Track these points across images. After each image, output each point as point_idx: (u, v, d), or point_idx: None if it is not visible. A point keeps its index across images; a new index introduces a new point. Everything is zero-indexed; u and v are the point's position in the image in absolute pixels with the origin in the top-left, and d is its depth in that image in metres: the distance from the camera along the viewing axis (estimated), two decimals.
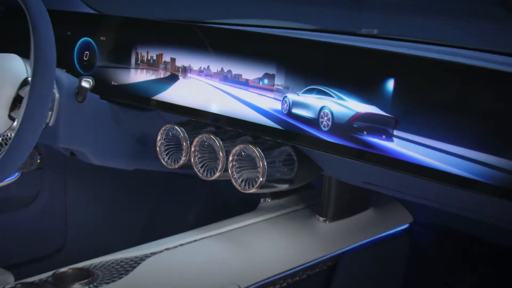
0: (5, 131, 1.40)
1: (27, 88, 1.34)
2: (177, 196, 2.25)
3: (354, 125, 1.14)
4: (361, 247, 1.58)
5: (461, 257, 1.71)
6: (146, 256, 1.33)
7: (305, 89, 1.22)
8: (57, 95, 1.42)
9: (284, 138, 1.28)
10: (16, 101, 1.37)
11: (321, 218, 1.56)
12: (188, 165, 1.44)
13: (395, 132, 1.09)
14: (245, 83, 1.31)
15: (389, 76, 1.11)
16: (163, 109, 1.50)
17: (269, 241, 1.48)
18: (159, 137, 1.47)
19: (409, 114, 1.07)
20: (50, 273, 1.25)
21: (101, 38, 1.60)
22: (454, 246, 1.72)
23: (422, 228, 1.73)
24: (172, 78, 1.45)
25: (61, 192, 2.07)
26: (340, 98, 1.16)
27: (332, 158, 1.23)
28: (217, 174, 1.38)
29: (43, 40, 1.26)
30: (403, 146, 1.08)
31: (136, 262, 1.30)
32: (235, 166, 1.34)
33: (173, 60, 1.45)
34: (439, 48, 1.20)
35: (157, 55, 1.48)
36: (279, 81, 1.26)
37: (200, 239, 1.42)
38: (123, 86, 1.56)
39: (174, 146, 1.48)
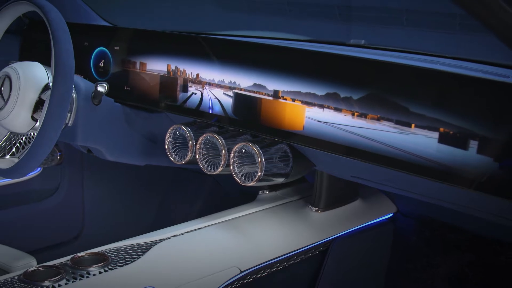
0: (28, 131, 1.41)
1: (48, 92, 1.35)
2: (184, 188, 2.25)
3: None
4: (349, 234, 1.58)
5: (440, 244, 1.71)
6: (156, 242, 1.33)
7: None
8: (75, 98, 1.43)
9: (281, 137, 1.28)
10: (39, 104, 1.37)
11: (314, 208, 1.56)
12: (193, 161, 1.44)
13: (379, 131, 1.10)
14: (245, 88, 1.32)
15: (375, 80, 1.11)
16: (171, 111, 1.50)
17: (267, 229, 1.48)
18: (167, 136, 1.47)
19: (393, 115, 1.08)
20: (69, 257, 1.25)
21: (115, 47, 1.60)
22: (434, 233, 1.72)
23: (405, 217, 1.73)
24: (179, 83, 1.45)
25: (79, 185, 2.07)
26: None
27: (324, 155, 1.23)
28: (220, 169, 1.38)
29: (62, 49, 1.27)
30: (389, 142, 1.09)
31: (146, 247, 1.31)
32: (236, 162, 1.35)
33: (179, 67, 1.45)
34: (420, 57, 1.21)
35: (165, 63, 1.48)
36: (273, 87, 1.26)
37: (204, 227, 1.42)
38: (135, 91, 1.56)
39: (181, 144, 1.48)
